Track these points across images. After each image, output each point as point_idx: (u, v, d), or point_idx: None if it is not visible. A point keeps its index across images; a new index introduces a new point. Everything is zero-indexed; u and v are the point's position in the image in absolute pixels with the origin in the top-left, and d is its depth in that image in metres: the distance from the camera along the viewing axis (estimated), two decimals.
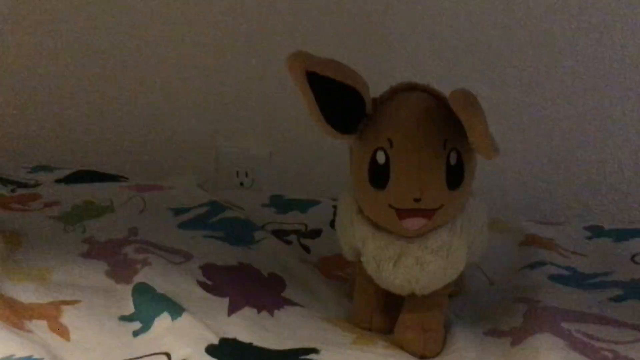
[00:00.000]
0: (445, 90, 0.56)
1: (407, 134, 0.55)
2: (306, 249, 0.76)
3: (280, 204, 0.87)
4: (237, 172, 1.04)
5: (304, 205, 0.86)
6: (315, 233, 0.79)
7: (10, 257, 0.67)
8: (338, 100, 0.55)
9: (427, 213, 0.55)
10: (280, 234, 0.78)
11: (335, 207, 0.66)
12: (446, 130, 0.55)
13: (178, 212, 0.81)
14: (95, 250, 0.70)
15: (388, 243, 0.58)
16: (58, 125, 1.08)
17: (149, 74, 1.04)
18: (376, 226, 0.58)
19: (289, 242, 0.77)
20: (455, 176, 0.55)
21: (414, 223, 0.56)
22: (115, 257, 0.68)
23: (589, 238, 0.81)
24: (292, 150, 1.03)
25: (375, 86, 0.57)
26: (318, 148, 1.00)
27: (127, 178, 0.94)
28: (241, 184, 1.04)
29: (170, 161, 1.06)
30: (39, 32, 1.05)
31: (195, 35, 1.02)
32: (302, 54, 0.53)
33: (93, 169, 0.97)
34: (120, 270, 0.66)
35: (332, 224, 0.79)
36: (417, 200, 0.55)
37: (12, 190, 0.87)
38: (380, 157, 0.55)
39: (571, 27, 0.92)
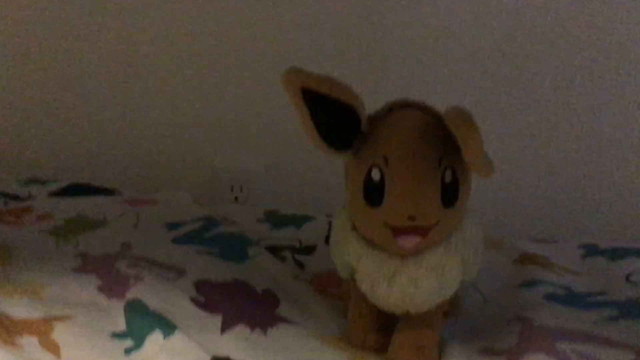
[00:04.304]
0: (440, 107, 0.56)
1: (402, 151, 0.55)
2: (300, 265, 0.76)
3: (275, 219, 0.87)
4: (232, 187, 1.04)
5: (298, 221, 0.86)
6: (310, 249, 0.79)
7: (1, 271, 0.67)
8: (333, 116, 0.55)
9: (422, 231, 0.55)
10: (274, 250, 0.78)
11: (330, 223, 0.65)
12: (441, 148, 0.55)
13: (172, 226, 0.81)
14: (87, 265, 0.69)
15: (382, 261, 0.57)
16: (51, 138, 1.08)
17: (144, 89, 1.04)
18: (371, 244, 0.58)
19: (283, 258, 0.76)
20: (450, 194, 0.55)
21: (409, 241, 0.55)
22: (107, 272, 0.68)
23: (584, 256, 0.81)
24: (287, 165, 1.02)
25: (369, 103, 0.57)
26: (313, 163, 1.00)
27: (121, 192, 0.93)
28: (236, 198, 1.04)
29: (165, 175, 1.06)
30: (33, 45, 1.06)
31: (191, 50, 1.02)
32: (297, 70, 0.53)
33: (87, 182, 0.97)
34: (113, 285, 0.65)
35: (326, 240, 0.79)
36: (412, 217, 0.54)
37: (5, 203, 0.86)
38: (376, 175, 0.55)
39: (566, 41, 0.93)
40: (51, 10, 1.03)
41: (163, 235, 0.78)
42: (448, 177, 0.55)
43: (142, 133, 1.06)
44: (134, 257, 0.71)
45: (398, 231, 0.55)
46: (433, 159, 0.54)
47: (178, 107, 1.04)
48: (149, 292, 0.64)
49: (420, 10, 0.95)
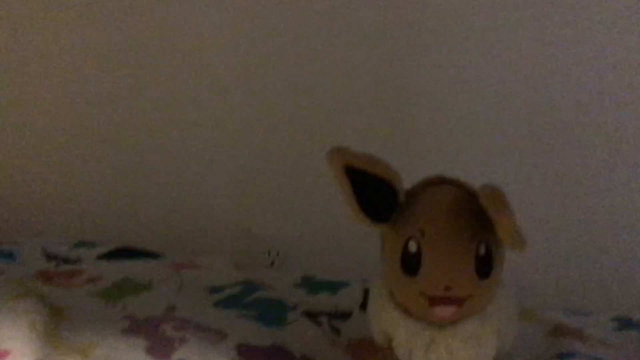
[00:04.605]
0: (473, 181, 0.59)
1: (437, 225, 0.57)
2: (336, 331, 0.78)
3: (311, 284, 0.89)
4: (269, 252, 1.07)
5: (334, 287, 0.88)
6: (346, 315, 0.81)
7: (55, 331, 0.70)
8: (372, 190, 0.58)
9: (458, 301, 0.57)
10: (311, 315, 0.80)
11: (365, 290, 0.67)
12: (475, 222, 0.57)
13: (213, 290, 0.84)
14: (135, 327, 0.73)
15: (419, 330, 0.59)
16: (99, 203, 1.13)
17: (183, 157, 1.09)
18: (408, 312, 0.60)
19: (319, 323, 0.79)
20: (485, 266, 0.57)
21: (445, 311, 0.57)
22: (154, 334, 0.71)
23: (617, 329, 0.81)
24: (323, 231, 1.05)
25: (404, 176, 0.60)
26: (349, 229, 1.02)
27: (165, 256, 0.97)
28: (272, 263, 1.06)
29: (203, 240, 1.10)
30: (79, 113, 1.11)
31: (228, 118, 1.06)
32: (341, 150, 0.57)
33: (133, 245, 1.01)
34: (159, 347, 0.68)
35: (362, 306, 0.81)
36: (447, 288, 0.57)
37: (57, 266, 0.90)
38: (412, 246, 0.58)
39: (599, 119, 0.95)
40: (91, 75, 1.08)
41: (205, 299, 0.81)
42: (482, 251, 0.57)
43: (183, 200, 1.10)
44: (178, 319, 0.74)
45: (434, 301, 0.57)
46: (467, 232, 0.57)
47: (216, 174, 1.08)
48: (193, 354, 0.67)
49: (452, 88, 0.99)
